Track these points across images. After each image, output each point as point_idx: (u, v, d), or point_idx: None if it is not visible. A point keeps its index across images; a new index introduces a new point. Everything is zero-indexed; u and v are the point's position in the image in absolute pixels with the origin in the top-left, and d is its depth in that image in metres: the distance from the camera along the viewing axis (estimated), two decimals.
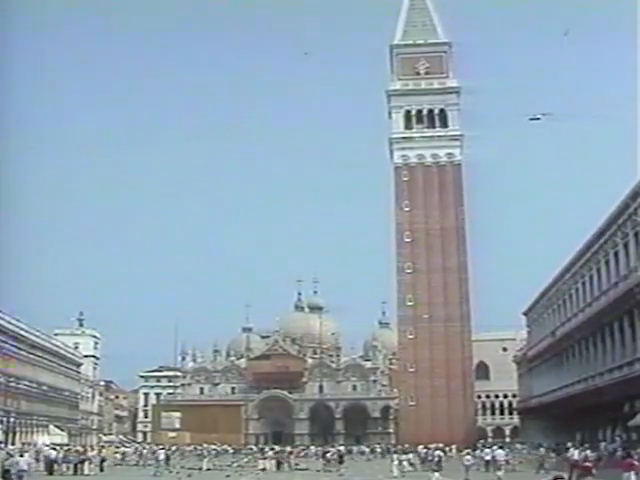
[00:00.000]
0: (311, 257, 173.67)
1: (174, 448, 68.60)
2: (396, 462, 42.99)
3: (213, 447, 70.59)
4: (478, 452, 49.49)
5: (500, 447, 45.94)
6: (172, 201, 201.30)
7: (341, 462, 47.47)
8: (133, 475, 45.98)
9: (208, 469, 49.06)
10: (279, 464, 47.19)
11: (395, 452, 54.60)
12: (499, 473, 36.61)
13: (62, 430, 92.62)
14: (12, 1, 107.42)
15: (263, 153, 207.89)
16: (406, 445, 67.89)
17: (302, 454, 64.40)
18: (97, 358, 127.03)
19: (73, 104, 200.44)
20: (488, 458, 42.42)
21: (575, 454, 33.58)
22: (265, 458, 50.16)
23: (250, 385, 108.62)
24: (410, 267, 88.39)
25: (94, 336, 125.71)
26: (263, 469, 46.95)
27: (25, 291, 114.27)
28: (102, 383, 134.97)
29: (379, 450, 73.10)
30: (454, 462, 49.61)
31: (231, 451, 72.32)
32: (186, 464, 52.12)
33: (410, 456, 48.09)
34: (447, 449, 59.14)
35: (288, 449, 59.71)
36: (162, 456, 50.32)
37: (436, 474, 33.23)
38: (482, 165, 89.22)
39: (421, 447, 56.77)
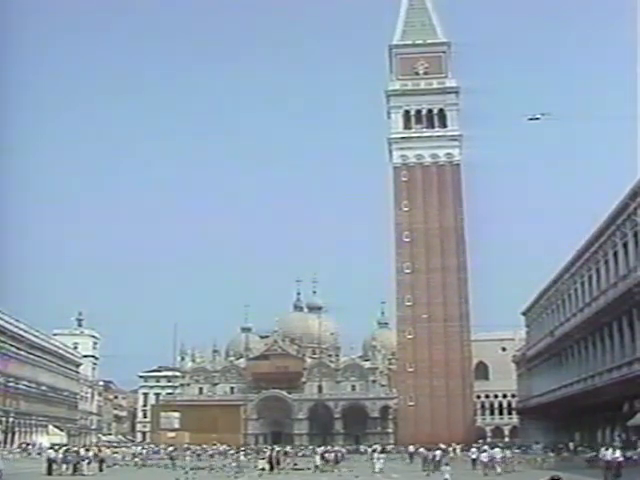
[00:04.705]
0: (310, 257, 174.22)
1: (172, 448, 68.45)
2: (376, 459, 45.17)
3: (213, 447, 70.51)
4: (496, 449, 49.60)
5: (506, 447, 46.26)
6: (171, 201, 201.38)
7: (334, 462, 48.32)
8: (133, 475, 45.90)
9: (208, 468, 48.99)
10: (271, 466, 46.83)
11: (375, 451, 56.57)
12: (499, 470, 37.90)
13: (61, 430, 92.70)
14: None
15: (263, 153, 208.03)
16: (393, 445, 68.43)
17: (300, 454, 64.27)
18: (96, 358, 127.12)
19: (74, 103, 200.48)
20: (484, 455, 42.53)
21: (607, 455, 33.52)
22: (264, 458, 50.11)
23: (249, 385, 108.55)
24: (409, 267, 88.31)
25: (93, 336, 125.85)
26: (262, 469, 46.84)
27: (25, 291, 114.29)
28: (101, 383, 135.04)
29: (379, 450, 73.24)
30: (455, 461, 49.49)
31: (231, 451, 72.16)
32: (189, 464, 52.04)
33: (383, 455, 50.25)
34: (450, 449, 59.17)
35: (285, 449, 59.65)
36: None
37: (447, 467, 34.04)
38: (481, 165, 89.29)
39: (412, 447, 57.13)
